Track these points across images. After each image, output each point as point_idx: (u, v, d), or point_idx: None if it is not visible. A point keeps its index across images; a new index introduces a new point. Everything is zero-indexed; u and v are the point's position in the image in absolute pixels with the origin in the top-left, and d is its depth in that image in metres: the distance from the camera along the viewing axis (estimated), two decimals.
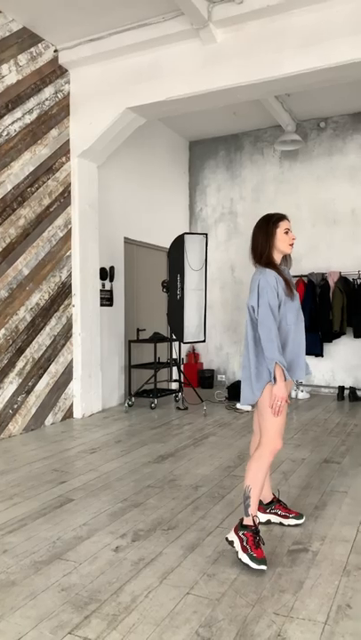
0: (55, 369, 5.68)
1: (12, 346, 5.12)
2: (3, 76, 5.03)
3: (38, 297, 5.44)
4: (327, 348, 7.44)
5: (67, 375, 5.85)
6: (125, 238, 6.94)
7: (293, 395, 7.14)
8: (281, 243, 2.71)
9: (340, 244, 7.49)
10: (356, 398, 7.00)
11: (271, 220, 2.72)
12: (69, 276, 5.88)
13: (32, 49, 5.35)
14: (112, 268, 6.58)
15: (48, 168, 5.56)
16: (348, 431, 5.24)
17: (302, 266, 7.40)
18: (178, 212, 8.34)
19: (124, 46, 5.36)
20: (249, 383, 2.65)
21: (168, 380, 7.75)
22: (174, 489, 3.56)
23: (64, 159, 5.78)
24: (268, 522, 2.94)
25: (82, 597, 2.23)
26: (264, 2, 4.65)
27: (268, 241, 2.70)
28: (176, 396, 6.92)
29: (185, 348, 8.32)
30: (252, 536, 2.50)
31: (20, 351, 5.23)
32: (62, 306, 5.78)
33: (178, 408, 6.48)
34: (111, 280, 6.58)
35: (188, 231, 8.29)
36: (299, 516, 2.95)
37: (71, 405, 5.92)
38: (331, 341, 7.32)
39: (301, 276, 7.31)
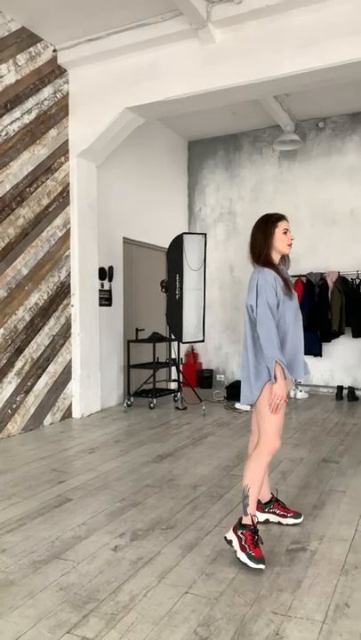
0: (54, 369, 5.68)
1: (10, 346, 5.12)
2: (1, 76, 5.03)
3: (37, 297, 5.44)
4: (326, 347, 7.45)
5: (65, 375, 5.85)
6: (124, 238, 6.94)
7: (292, 394, 7.14)
8: (279, 243, 2.71)
9: (338, 244, 7.50)
10: (355, 398, 7.01)
11: (270, 219, 2.73)
12: (68, 275, 5.88)
13: (31, 49, 5.35)
14: (111, 268, 6.58)
15: (47, 168, 5.56)
16: (347, 431, 5.25)
17: (301, 266, 7.40)
18: (177, 212, 8.34)
19: (123, 46, 5.37)
20: (248, 383, 2.65)
21: (167, 379, 7.75)
22: (173, 488, 3.56)
23: (63, 159, 5.78)
24: (267, 521, 2.94)
25: (80, 597, 2.23)
26: (263, 2, 4.65)
27: (267, 241, 2.70)
28: (175, 396, 6.92)
29: (184, 347, 8.32)
30: (251, 535, 2.50)
31: (19, 351, 5.23)
32: (61, 306, 5.78)
33: (177, 408, 6.49)
34: (110, 280, 6.58)
35: (186, 231, 8.30)
36: (297, 516, 2.95)
37: (70, 405, 5.92)
38: (329, 341, 7.33)
39: (300, 276, 7.31)
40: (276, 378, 2.52)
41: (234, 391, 6.88)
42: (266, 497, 2.98)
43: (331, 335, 7.22)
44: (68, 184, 5.86)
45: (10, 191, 5.10)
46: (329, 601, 2.19)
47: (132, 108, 5.59)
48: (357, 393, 7.21)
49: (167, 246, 6.61)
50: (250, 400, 2.66)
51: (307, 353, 6.63)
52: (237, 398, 6.59)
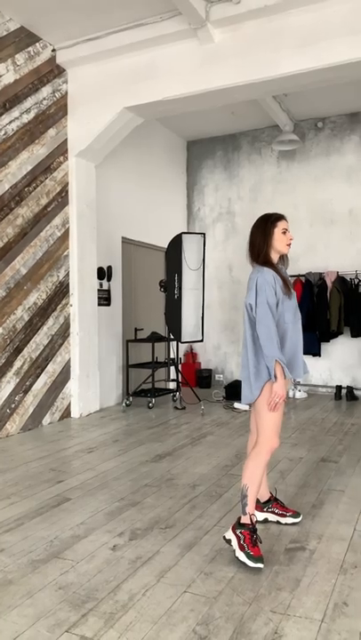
0: (53, 368, 5.68)
1: (9, 345, 5.12)
2: (0, 76, 5.02)
3: (36, 296, 5.44)
4: (325, 347, 7.45)
5: (64, 375, 5.85)
6: (123, 238, 6.94)
7: (291, 394, 7.15)
8: (278, 242, 2.72)
9: (337, 243, 7.50)
10: (354, 397, 7.01)
11: (269, 219, 2.73)
12: (67, 275, 5.88)
13: (30, 48, 5.35)
14: (110, 268, 6.58)
15: (46, 167, 5.55)
16: (346, 430, 5.25)
17: (300, 265, 7.41)
18: (176, 212, 8.34)
19: (122, 46, 5.37)
20: (248, 382, 2.65)
21: (166, 379, 7.75)
22: (172, 488, 3.57)
23: (62, 159, 5.78)
24: (266, 520, 2.94)
25: (79, 596, 2.23)
26: (261, 2, 4.65)
27: (266, 240, 2.70)
28: (174, 396, 6.92)
29: (183, 347, 8.33)
30: (250, 534, 2.51)
31: (18, 351, 5.23)
32: (60, 305, 5.78)
33: (175, 407, 6.49)
34: (109, 280, 6.58)
35: (185, 231, 8.30)
36: (296, 515, 2.95)
37: (69, 405, 5.92)
38: (328, 341, 7.33)
39: (299, 276, 7.31)
40: (276, 377, 2.52)
41: (233, 391, 6.88)
42: (265, 496, 2.98)
43: (330, 335, 7.22)
44: (67, 184, 5.86)
45: (9, 191, 5.10)
46: (328, 600, 2.19)
47: (130, 108, 5.59)
48: (356, 393, 7.21)
49: (166, 246, 6.61)
50: (250, 400, 2.66)
51: (306, 353, 6.61)
52: (236, 398, 6.63)
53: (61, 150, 5.78)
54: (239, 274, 8.09)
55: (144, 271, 7.51)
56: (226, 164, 8.34)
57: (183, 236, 6.34)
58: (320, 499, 3.35)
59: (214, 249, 8.30)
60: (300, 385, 7.39)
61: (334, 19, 4.58)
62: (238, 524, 2.57)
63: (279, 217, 2.75)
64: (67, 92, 5.86)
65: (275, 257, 2.74)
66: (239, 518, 2.60)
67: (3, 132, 5.04)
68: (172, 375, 7.91)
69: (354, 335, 7.09)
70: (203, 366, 8.45)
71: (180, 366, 7.19)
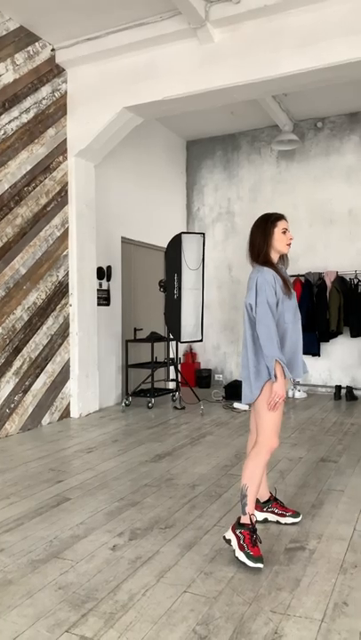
0: (52, 368, 5.68)
1: (8, 345, 5.12)
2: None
3: (35, 296, 5.44)
4: (324, 347, 7.45)
5: (64, 375, 5.84)
6: (123, 238, 6.94)
7: (290, 394, 7.15)
8: (278, 242, 2.71)
9: (337, 243, 7.51)
10: (353, 397, 7.01)
11: (269, 219, 2.73)
12: (66, 275, 5.87)
13: (29, 48, 5.34)
14: (109, 268, 6.58)
15: (45, 167, 5.55)
16: (345, 430, 5.25)
17: (299, 265, 7.41)
18: (175, 212, 8.34)
19: (122, 46, 5.36)
20: (248, 382, 2.65)
21: (165, 379, 7.75)
22: (171, 488, 3.56)
23: (61, 158, 5.78)
24: (266, 520, 2.94)
25: (79, 596, 2.23)
26: (261, 2, 4.65)
27: (266, 240, 2.70)
28: (173, 396, 6.92)
29: (182, 347, 8.33)
30: (249, 534, 2.50)
31: (17, 350, 5.22)
32: (59, 305, 5.77)
33: (175, 407, 6.49)
34: (108, 279, 6.58)
35: (185, 231, 8.30)
36: (296, 515, 2.95)
37: (68, 405, 5.91)
38: (328, 341, 7.34)
39: (298, 276, 7.31)
40: (276, 377, 2.52)
41: (232, 390, 6.88)
42: (264, 496, 2.98)
43: (329, 335, 7.22)
44: (67, 183, 5.86)
45: (8, 190, 5.09)
46: (328, 600, 2.19)
47: (130, 108, 5.59)
48: (356, 392, 7.22)
49: (165, 246, 6.61)
50: (250, 399, 2.66)
51: (305, 352, 6.62)
52: (236, 398, 6.63)
53: (61, 150, 5.78)
54: (239, 274, 8.09)
55: (143, 271, 7.51)
56: (225, 163, 8.34)
57: (183, 235, 6.34)
58: (320, 498, 3.35)
59: (214, 249, 8.30)
60: (299, 385, 7.39)
61: (334, 19, 4.59)
62: (238, 524, 2.57)
63: (279, 217, 2.74)
64: (66, 92, 5.86)
65: (275, 257, 2.73)
66: (239, 518, 2.60)
67: (2, 132, 5.04)
68: (172, 375, 7.91)
69: (353, 335, 7.10)
70: (202, 366, 8.45)
71: (179, 366, 7.19)
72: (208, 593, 2.24)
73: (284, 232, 2.72)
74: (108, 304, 6.60)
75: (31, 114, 5.38)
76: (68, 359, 5.91)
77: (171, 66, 5.31)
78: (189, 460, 4.22)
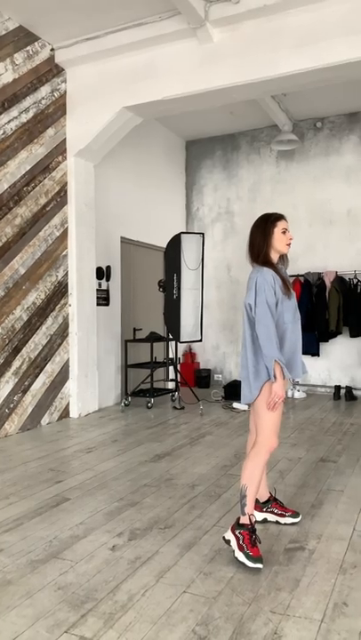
0: (51, 368, 5.67)
1: (8, 345, 5.11)
2: None
3: (35, 296, 5.43)
4: (323, 347, 7.45)
5: (63, 375, 5.84)
6: (122, 238, 6.94)
7: (290, 394, 7.15)
8: (278, 242, 2.71)
9: (336, 243, 7.51)
10: (353, 397, 7.02)
11: (269, 219, 2.73)
12: (66, 275, 5.87)
13: (28, 47, 5.34)
14: (108, 268, 6.58)
15: (44, 167, 5.55)
16: (345, 430, 5.25)
17: (299, 265, 7.41)
18: (174, 212, 8.34)
19: (121, 45, 5.36)
20: (247, 382, 2.65)
21: (164, 379, 7.75)
22: (171, 488, 3.56)
23: (60, 158, 5.78)
24: (265, 520, 2.94)
25: (78, 596, 2.23)
26: (260, 1, 4.65)
27: (266, 240, 2.70)
28: (172, 396, 6.91)
29: (181, 347, 8.32)
30: (249, 535, 2.50)
31: (17, 350, 5.22)
32: (59, 305, 5.77)
33: (174, 407, 6.48)
34: (108, 279, 6.57)
35: (184, 231, 8.30)
36: (295, 515, 2.95)
37: (67, 405, 5.91)
38: (327, 341, 7.34)
39: (298, 276, 7.31)
40: (275, 377, 2.52)
41: (232, 390, 6.88)
42: (264, 496, 2.98)
43: (328, 335, 7.22)
44: (66, 183, 5.85)
45: (7, 190, 5.09)
46: (327, 600, 2.19)
47: (129, 108, 5.59)
48: (355, 392, 7.22)
49: (165, 246, 6.61)
50: (249, 399, 2.66)
51: (304, 352, 6.60)
52: (235, 398, 6.63)
53: (60, 150, 5.77)
54: (238, 274, 8.09)
55: (143, 271, 7.51)
56: (225, 163, 8.34)
57: (182, 235, 6.34)
58: (319, 498, 3.35)
59: (213, 249, 8.30)
60: (298, 385, 7.39)
61: (333, 19, 4.59)
62: (237, 525, 2.57)
63: (279, 217, 2.74)
64: (65, 92, 5.85)
65: (274, 257, 2.73)
66: (238, 519, 2.60)
67: (1, 132, 5.03)
68: (171, 375, 7.90)
69: (353, 335, 7.10)
70: (201, 366, 8.45)
71: (178, 366, 7.19)
72: (207, 593, 2.24)
73: (284, 232, 2.72)
74: (107, 304, 6.59)
75: (30, 114, 5.37)
76: (68, 359, 5.91)
77: (170, 66, 5.31)
78: (189, 460, 4.22)
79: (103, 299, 6.50)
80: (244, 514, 2.57)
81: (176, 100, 5.40)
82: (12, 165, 5.14)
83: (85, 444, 4.77)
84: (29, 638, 1.95)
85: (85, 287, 6.03)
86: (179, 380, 6.80)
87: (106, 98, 5.62)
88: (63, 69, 5.80)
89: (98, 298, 6.32)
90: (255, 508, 2.83)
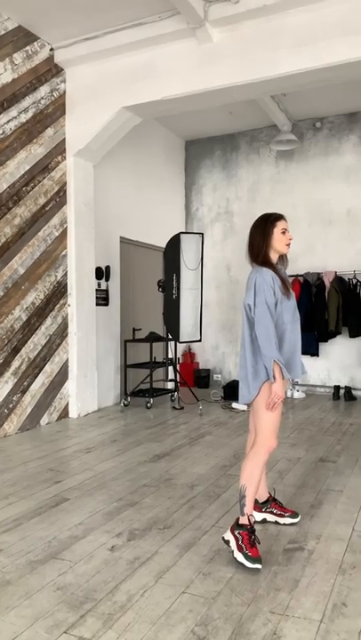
0: (51, 368, 5.67)
1: (7, 345, 5.11)
2: None
3: (34, 296, 5.43)
4: (323, 347, 7.45)
5: (62, 375, 5.84)
6: (121, 238, 6.94)
7: (289, 394, 7.14)
8: (278, 242, 2.71)
9: (335, 243, 7.51)
10: (352, 398, 7.02)
11: (269, 219, 2.73)
12: (65, 275, 5.87)
13: (27, 47, 5.33)
14: (108, 268, 6.57)
15: (44, 167, 5.54)
16: (344, 430, 5.25)
17: (298, 265, 7.41)
18: (174, 212, 8.33)
19: (121, 45, 5.36)
20: (246, 382, 2.65)
21: (164, 379, 7.75)
22: (170, 488, 3.56)
23: (60, 158, 5.77)
24: (264, 520, 2.94)
25: (77, 596, 2.23)
26: (260, 1, 4.65)
27: (266, 240, 2.70)
28: (172, 396, 6.91)
29: (181, 347, 8.32)
30: (248, 535, 2.50)
31: (16, 350, 5.21)
32: (58, 305, 5.77)
33: (174, 407, 6.48)
34: (107, 279, 6.57)
35: (184, 230, 8.29)
36: (294, 515, 2.95)
37: (67, 405, 5.91)
38: (326, 341, 7.34)
39: (297, 276, 7.31)
40: (275, 377, 2.52)
41: (231, 391, 6.88)
42: (263, 496, 2.98)
43: (328, 335, 7.23)
44: (65, 183, 5.85)
45: (6, 190, 5.09)
46: (326, 600, 2.19)
47: (128, 108, 5.59)
48: (354, 392, 7.22)
49: (164, 246, 6.60)
50: (247, 399, 2.66)
51: (304, 353, 6.59)
52: (234, 398, 6.62)
53: (59, 150, 5.77)
54: (237, 274, 8.09)
55: (142, 271, 7.51)
56: (224, 163, 8.33)
57: (181, 235, 6.33)
58: (318, 499, 3.35)
59: (212, 249, 8.30)
60: (298, 385, 7.39)
61: (332, 18, 4.58)
62: (237, 525, 2.57)
63: (279, 217, 2.74)
64: (65, 92, 5.85)
65: (274, 257, 2.73)
66: (238, 519, 2.60)
67: (1, 132, 5.03)
68: (171, 375, 7.90)
69: (352, 335, 7.10)
70: (201, 366, 8.44)
71: (178, 366, 7.19)
72: (207, 594, 2.24)
73: (284, 232, 2.72)
74: (106, 304, 6.59)
75: (30, 113, 5.37)
76: (67, 359, 5.90)
77: (169, 66, 5.31)
78: (188, 461, 4.21)
79: (102, 299, 6.50)
80: (243, 514, 2.57)
81: (175, 100, 5.40)
82: (11, 165, 5.14)
83: (85, 444, 4.76)
84: (28, 639, 1.95)
85: (85, 287, 6.02)
86: (178, 380, 6.79)
87: (105, 98, 5.62)
88: (62, 69, 5.80)
89: (97, 298, 6.32)
90: (254, 509, 2.83)
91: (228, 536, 2.57)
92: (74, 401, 5.91)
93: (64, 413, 5.86)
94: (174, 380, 6.82)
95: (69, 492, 3.49)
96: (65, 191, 5.84)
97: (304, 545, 2.70)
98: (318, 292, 7.21)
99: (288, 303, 2.68)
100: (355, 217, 7.39)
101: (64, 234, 5.84)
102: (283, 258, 2.82)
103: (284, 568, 2.46)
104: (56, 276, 5.73)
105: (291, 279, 6.81)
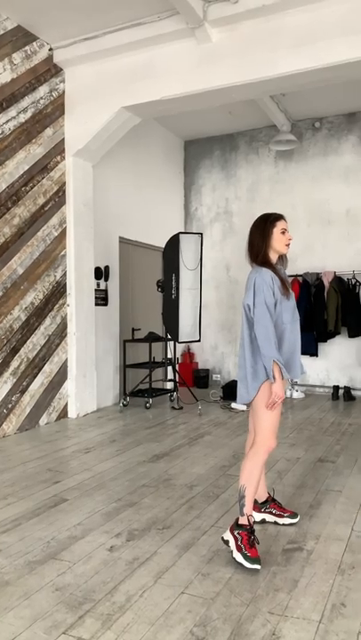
0: (50, 368, 5.67)
1: (6, 345, 5.10)
2: None
3: (33, 296, 5.43)
4: (322, 347, 7.45)
5: (61, 375, 5.83)
6: (120, 238, 6.93)
7: (288, 394, 7.15)
8: (277, 243, 2.71)
9: (334, 243, 7.51)
10: (351, 398, 7.02)
11: (268, 219, 2.72)
12: (64, 275, 5.86)
13: (27, 47, 5.33)
14: (107, 268, 6.57)
15: (43, 167, 5.54)
16: (343, 430, 5.25)
17: (297, 265, 7.41)
18: (173, 212, 8.33)
19: (120, 45, 5.35)
20: (245, 382, 2.65)
21: (163, 379, 7.75)
22: (169, 488, 3.56)
23: (59, 158, 5.77)
24: (263, 521, 2.94)
25: (76, 597, 2.22)
26: (259, 1, 4.65)
27: (265, 240, 2.70)
28: (171, 396, 6.91)
29: (180, 347, 8.32)
30: (247, 535, 2.50)
31: (15, 351, 5.21)
32: (57, 305, 5.76)
33: (173, 408, 6.48)
34: (106, 279, 6.56)
35: (183, 230, 8.29)
36: (293, 515, 2.95)
37: (66, 405, 5.90)
38: (325, 341, 7.34)
39: (296, 276, 7.31)
40: (274, 377, 2.52)
41: (230, 391, 6.88)
42: (262, 496, 2.98)
43: (327, 335, 7.23)
44: (64, 183, 5.84)
45: (5, 190, 5.08)
46: (325, 600, 2.19)
47: (128, 108, 5.58)
48: (353, 392, 7.22)
49: (163, 246, 6.60)
50: (246, 400, 2.66)
51: (303, 353, 6.60)
52: (234, 398, 6.62)
53: (58, 150, 5.76)
54: (237, 274, 8.09)
55: (141, 271, 7.50)
56: (223, 163, 8.33)
57: (181, 235, 6.33)
58: (318, 499, 3.35)
59: (212, 249, 8.30)
60: (297, 385, 7.39)
61: (332, 18, 4.58)
62: (236, 525, 2.57)
63: (278, 217, 2.74)
64: (64, 92, 5.84)
65: (273, 257, 2.73)
66: (237, 519, 2.60)
67: (0, 132, 5.02)
68: (170, 375, 7.90)
69: (351, 335, 7.10)
70: (200, 366, 8.44)
71: (177, 366, 7.18)
72: (206, 594, 2.24)
73: (283, 232, 2.71)
74: (105, 304, 6.58)
75: (29, 113, 5.36)
76: (66, 359, 5.90)
77: (169, 65, 5.31)
78: (187, 461, 4.21)
79: (102, 299, 6.49)
80: (242, 514, 2.57)
81: (175, 100, 5.40)
82: (10, 165, 5.14)
83: (84, 444, 4.76)
84: (27, 639, 1.95)
85: (84, 287, 6.02)
86: (177, 380, 6.79)
87: (104, 98, 5.61)
88: (61, 69, 5.80)
89: (96, 298, 6.32)
90: (253, 509, 2.83)
91: (228, 536, 2.56)
92: (73, 401, 5.91)
93: (63, 413, 5.86)
94: (173, 380, 6.82)
95: (68, 493, 3.48)
96: (64, 191, 5.84)
97: (303, 545, 2.70)
98: (317, 292, 7.21)
99: (287, 303, 2.68)
100: (354, 217, 7.39)
101: (63, 234, 5.83)
102: (282, 258, 2.81)
103: (283, 568, 2.46)
104: (55, 276, 5.72)
105: (290, 279, 6.83)
